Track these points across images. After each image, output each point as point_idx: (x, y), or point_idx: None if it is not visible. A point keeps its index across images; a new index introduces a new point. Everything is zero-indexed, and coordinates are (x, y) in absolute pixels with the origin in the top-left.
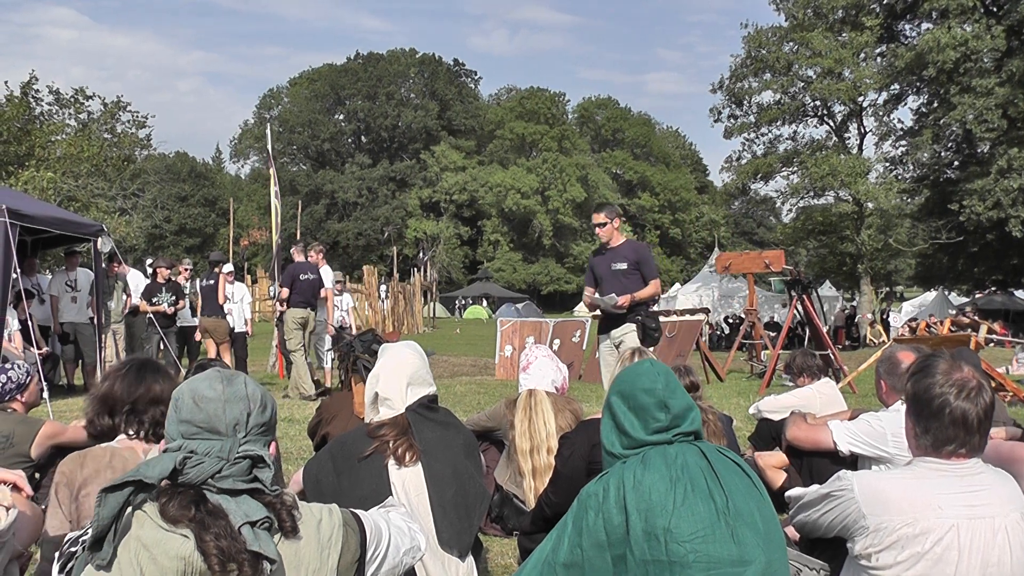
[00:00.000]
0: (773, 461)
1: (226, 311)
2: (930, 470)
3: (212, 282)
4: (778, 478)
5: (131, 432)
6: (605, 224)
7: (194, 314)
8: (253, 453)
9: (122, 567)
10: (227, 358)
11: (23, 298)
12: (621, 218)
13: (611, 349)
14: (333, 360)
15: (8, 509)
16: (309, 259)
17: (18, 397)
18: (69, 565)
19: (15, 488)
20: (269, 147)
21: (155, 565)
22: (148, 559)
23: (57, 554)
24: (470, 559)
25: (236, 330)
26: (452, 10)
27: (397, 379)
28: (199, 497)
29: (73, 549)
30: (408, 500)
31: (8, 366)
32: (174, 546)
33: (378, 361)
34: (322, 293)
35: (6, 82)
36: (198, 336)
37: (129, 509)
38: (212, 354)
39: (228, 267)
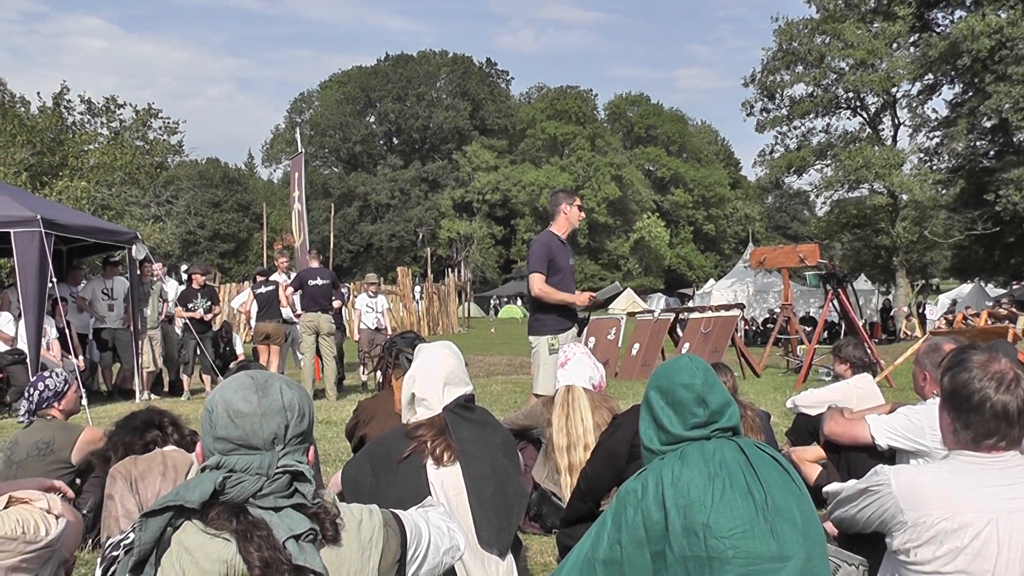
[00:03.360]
0: (808, 455)
1: (285, 317)
2: (968, 463)
3: (272, 288)
4: (812, 472)
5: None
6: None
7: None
8: (293, 468)
9: (164, 571)
10: (275, 363)
11: (59, 306)
12: None
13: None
14: (368, 361)
15: (58, 518)
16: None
17: (56, 405)
18: (112, 569)
19: (61, 495)
20: (300, 149)
21: (197, 568)
22: (190, 562)
23: (100, 558)
24: (510, 558)
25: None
26: (478, 10)
27: (434, 379)
28: (240, 510)
29: (115, 553)
30: (447, 500)
31: (46, 374)
32: (216, 549)
33: (414, 362)
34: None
35: (38, 93)
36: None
37: (169, 531)
38: (264, 359)
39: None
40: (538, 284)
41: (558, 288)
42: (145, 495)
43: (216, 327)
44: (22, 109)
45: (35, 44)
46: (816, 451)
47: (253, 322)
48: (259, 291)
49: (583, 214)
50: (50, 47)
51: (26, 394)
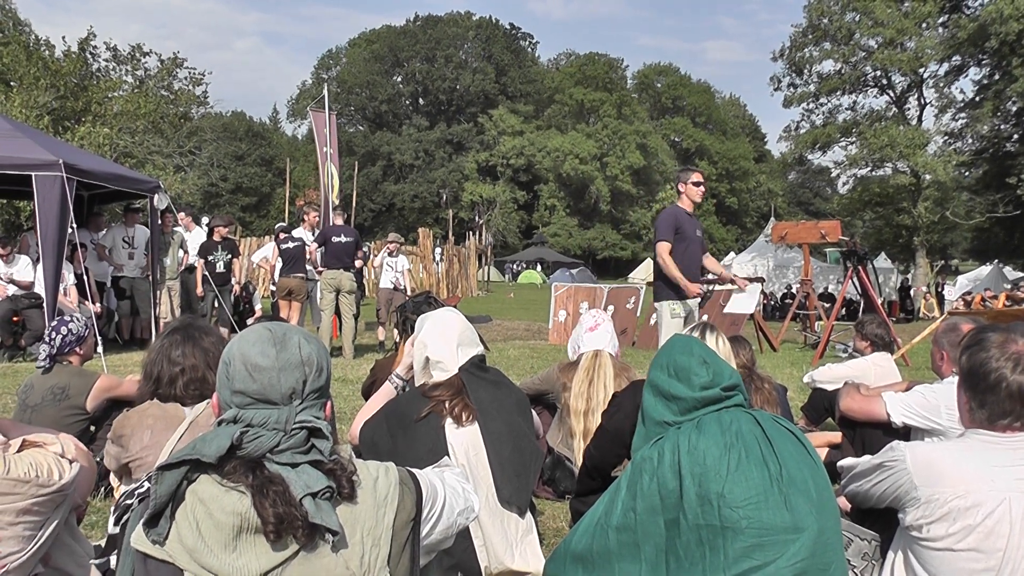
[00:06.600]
0: (814, 442)
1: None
2: (983, 443)
3: (299, 244)
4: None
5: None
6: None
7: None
8: (310, 425)
9: (178, 523)
10: (295, 318)
11: (78, 252)
12: None
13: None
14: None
15: (72, 463)
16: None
17: (77, 350)
18: (125, 518)
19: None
20: (326, 109)
21: (211, 520)
22: (204, 514)
23: (113, 507)
24: (529, 516)
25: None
26: None
27: (446, 341)
28: (256, 465)
29: (129, 502)
30: (467, 459)
31: (67, 319)
32: (231, 501)
33: (423, 328)
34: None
35: (64, 38)
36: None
37: (185, 484)
38: (284, 314)
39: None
40: (663, 252)
41: (684, 255)
42: (128, 445)
43: (236, 279)
44: (46, 52)
45: None
46: (822, 438)
47: (276, 277)
48: (285, 246)
49: (701, 188)
50: None
51: (48, 338)
